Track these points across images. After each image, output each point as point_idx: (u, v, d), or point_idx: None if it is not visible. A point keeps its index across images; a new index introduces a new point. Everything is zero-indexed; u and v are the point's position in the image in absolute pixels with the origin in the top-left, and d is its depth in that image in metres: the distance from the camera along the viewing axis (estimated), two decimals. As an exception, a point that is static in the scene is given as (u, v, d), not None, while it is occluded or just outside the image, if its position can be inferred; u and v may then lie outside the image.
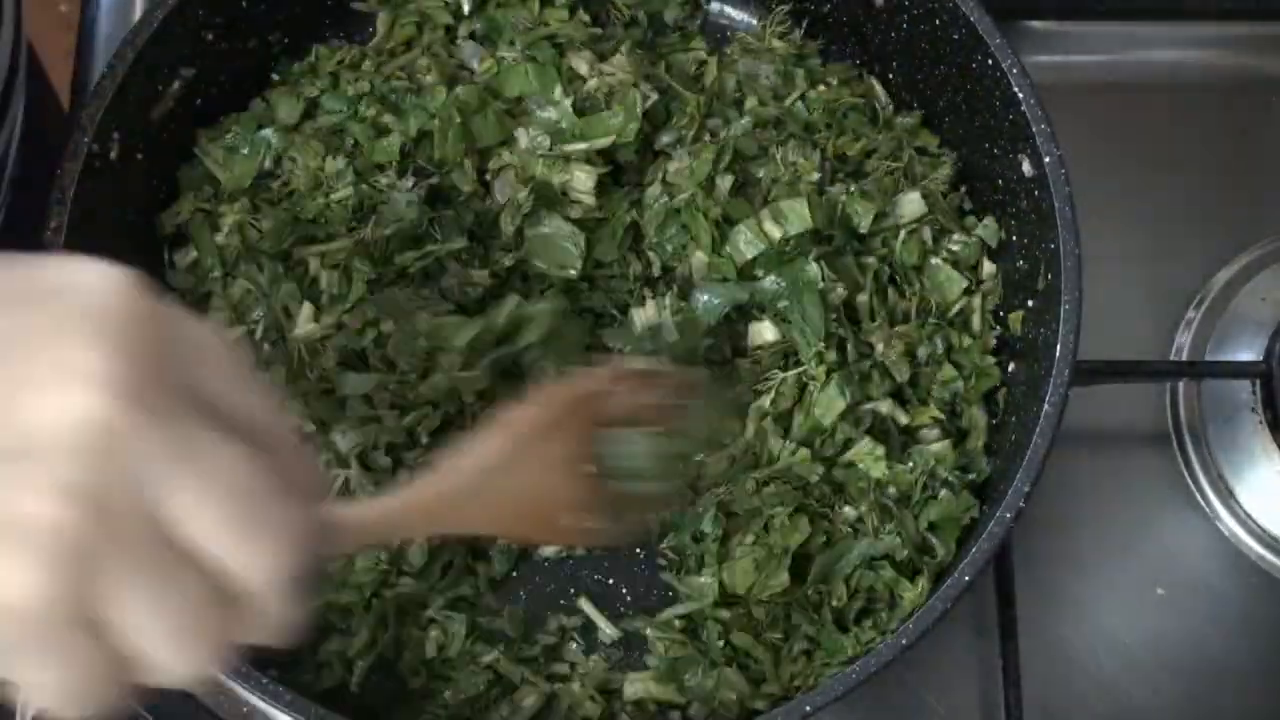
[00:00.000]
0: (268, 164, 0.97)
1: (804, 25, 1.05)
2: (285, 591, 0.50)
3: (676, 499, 0.86)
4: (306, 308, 0.92)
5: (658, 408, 0.77)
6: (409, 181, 0.95)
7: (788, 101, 0.99)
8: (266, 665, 0.84)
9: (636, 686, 0.89)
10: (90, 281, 0.47)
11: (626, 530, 0.78)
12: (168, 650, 0.47)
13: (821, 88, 1.01)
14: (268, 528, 0.48)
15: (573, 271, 0.94)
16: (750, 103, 1.01)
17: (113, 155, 0.90)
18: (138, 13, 1.09)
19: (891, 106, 1.03)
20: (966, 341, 0.95)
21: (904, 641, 0.80)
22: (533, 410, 0.71)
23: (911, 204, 0.96)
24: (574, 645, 0.92)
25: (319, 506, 0.55)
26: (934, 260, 0.96)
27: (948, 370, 0.94)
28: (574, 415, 0.73)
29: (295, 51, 1.02)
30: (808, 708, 0.79)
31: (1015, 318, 0.95)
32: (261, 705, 0.86)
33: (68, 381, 0.44)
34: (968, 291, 0.96)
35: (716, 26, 1.09)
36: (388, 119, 0.97)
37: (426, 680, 0.89)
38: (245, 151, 0.97)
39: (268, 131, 0.98)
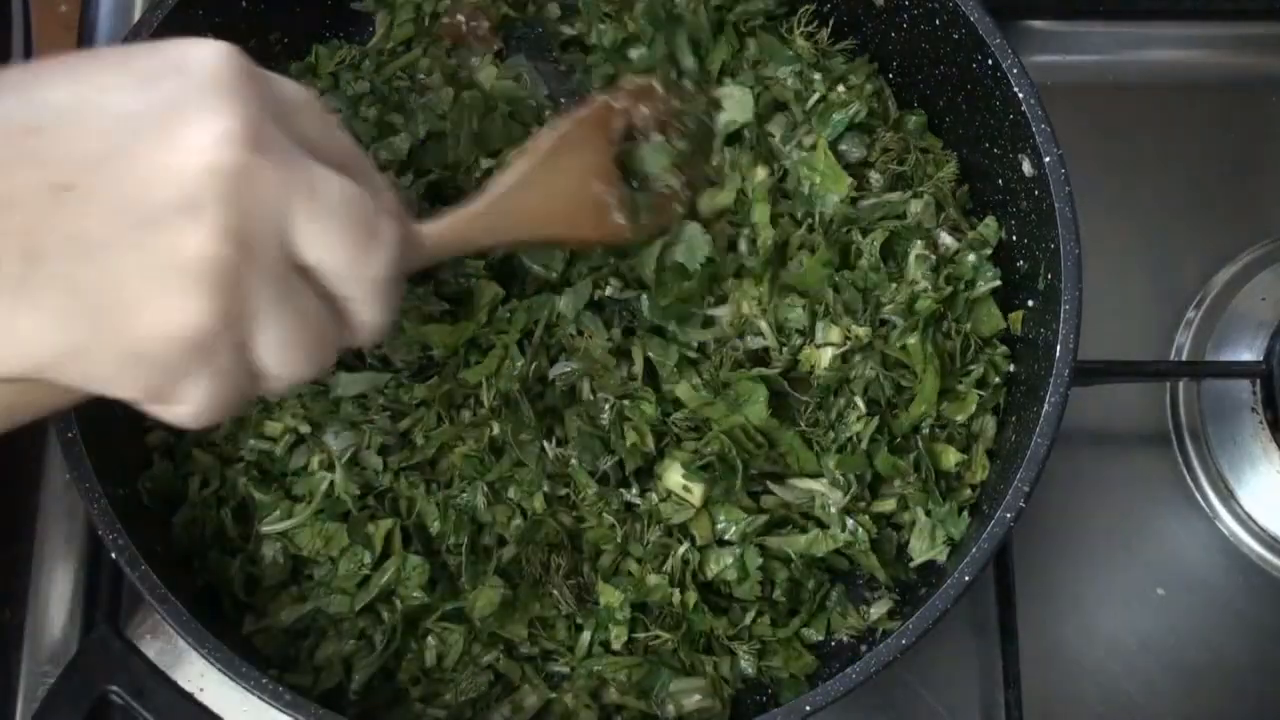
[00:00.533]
0: None
1: (802, 24, 1.05)
2: (383, 296, 0.59)
3: (686, 197, 0.94)
4: None
5: (663, 117, 0.92)
6: (409, 179, 0.95)
7: (808, 104, 0.99)
8: (267, 665, 0.85)
9: (614, 693, 0.89)
10: (202, 55, 0.55)
11: (651, 227, 0.91)
12: (291, 358, 0.56)
13: (841, 88, 1.00)
14: (373, 240, 0.58)
15: (554, 274, 0.94)
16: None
17: (113, 155, 0.90)
18: (138, 13, 1.09)
19: (892, 105, 1.03)
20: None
21: (904, 641, 0.80)
22: (556, 132, 0.85)
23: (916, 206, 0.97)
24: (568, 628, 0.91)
25: (407, 222, 0.65)
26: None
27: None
28: (592, 131, 0.88)
29: (295, 51, 1.02)
30: (808, 707, 0.79)
31: (1015, 318, 0.95)
32: (261, 705, 0.86)
33: (204, 140, 0.52)
34: None
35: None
36: (394, 118, 0.97)
37: (426, 687, 0.89)
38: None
39: None
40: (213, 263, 0.52)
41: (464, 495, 0.90)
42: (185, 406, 0.56)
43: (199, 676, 0.93)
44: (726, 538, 0.90)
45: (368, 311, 0.60)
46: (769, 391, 0.91)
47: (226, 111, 0.53)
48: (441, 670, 0.89)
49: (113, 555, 0.80)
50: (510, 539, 0.89)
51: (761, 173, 0.98)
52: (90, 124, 0.52)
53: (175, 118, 0.53)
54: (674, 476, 0.90)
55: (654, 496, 0.91)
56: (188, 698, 0.82)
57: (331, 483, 0.89)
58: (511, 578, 0.89)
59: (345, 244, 0.56)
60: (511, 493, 0.90)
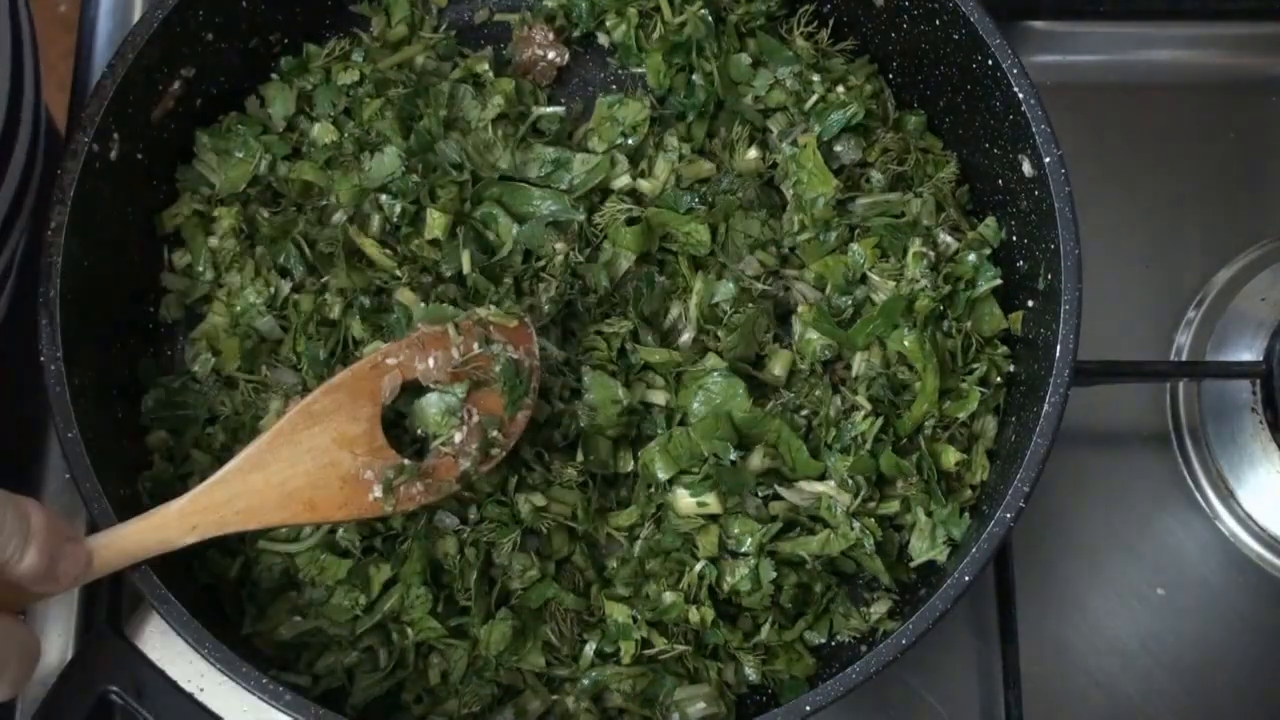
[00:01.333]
0: (263, 168, 0.97)
1: (802, 25, 1.05)
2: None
3: (483, 455, 0.86)
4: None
5: (457, 366, 0.84)
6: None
7: (807, 105, 0.99)
8: (267, 665, 0.85)
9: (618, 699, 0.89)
10: None
11: (416, 498, 0.84)
12: None
13: (840, 89, 1.00)
14: None
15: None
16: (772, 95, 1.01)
17: (113, 155, 0.90)
18: (138, 13, 1.09)
19: (893, 105, 1.03)
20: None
21: (904, 641, 0.80)
22: (298, 404, 0.79)
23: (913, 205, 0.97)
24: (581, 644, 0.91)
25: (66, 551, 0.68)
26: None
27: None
28: (349, 396, 0.81)
29: (296, 52, 1.02)
30: (808, 707, 0.79)
31: (1015, 318, 0.95)
32: (261, 705, 0.86)
33: None
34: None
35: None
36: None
37: (430, 705, 0.88)
38: (240, 155, 0.98)
39: (267, 137, 0.98)
40: None
41: (489, 535, 0.89)
42: None
43: (199, 676, 0.93)
44: (741, 550, 0.90)
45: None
46: (744, 381, 0.92)
47: None
48: (446, 686, 0.89)
49: (113, 555, 0.80)
50: (522, 584, 0.90)
51: (753, 153, 0.98)
52: None
53: None
54: (683, 501, 0.90)
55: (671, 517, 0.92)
56: (188, 698, 0.82)
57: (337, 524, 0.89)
58: (516, 607, 0.90)
59: None
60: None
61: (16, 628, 0.67)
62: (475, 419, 0.85)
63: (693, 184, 0.99)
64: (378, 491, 0.82)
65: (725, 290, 0.95)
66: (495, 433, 0.86)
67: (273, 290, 0.94)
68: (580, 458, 0.91)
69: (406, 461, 0.84)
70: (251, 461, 0.78)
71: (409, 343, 0.85)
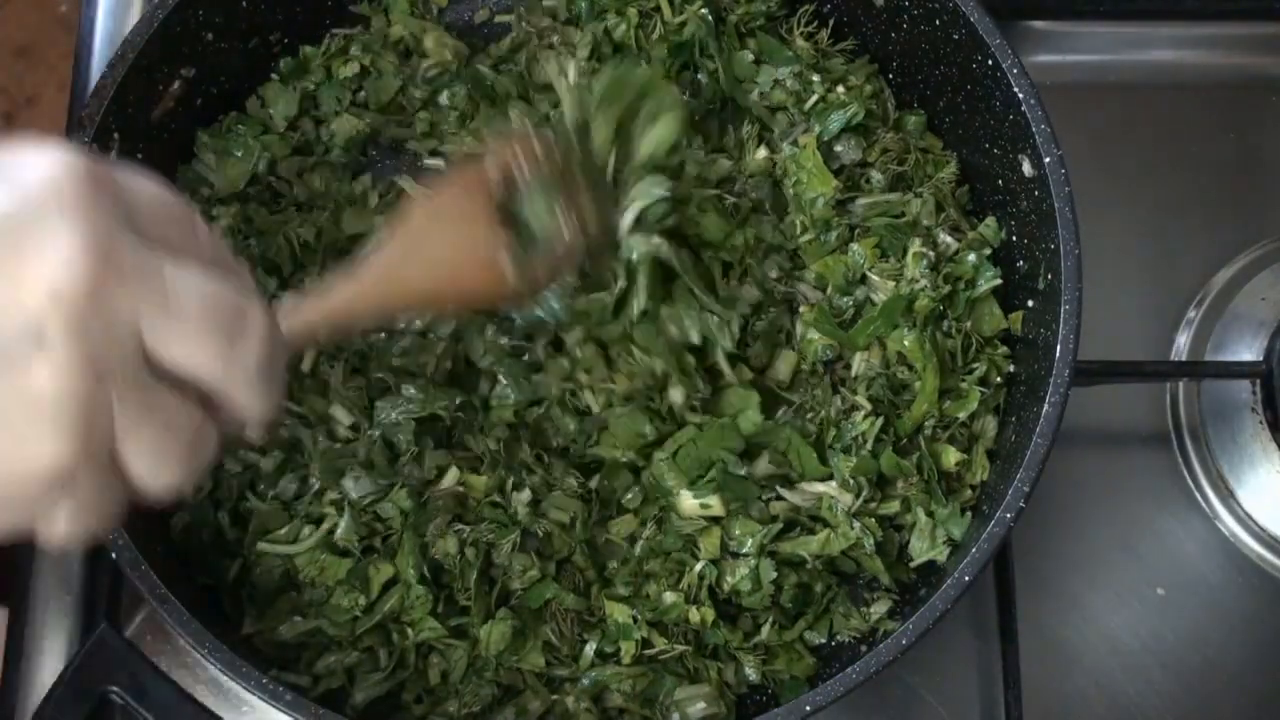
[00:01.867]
0: (261, 168, 0.97)
1: (802, 25, 1.05)
2: (261, 382, 0.57)
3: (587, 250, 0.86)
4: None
5: (546, 163, 0.84)
6: None
7: (807, 105, 0.99)
8: (267, 665, 0.85)
9: (618, 699, 0.89)
10: (39, 166, 0.52)
11: (544, 277, 0.84)
12: (164, 467, 0.54)
13: (841, 89, 1.00)
14: (241, 331, 0.55)
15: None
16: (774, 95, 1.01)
17: (113, 155, 0.90)
18: (137, 13, 1.09)
19: (893, 105, 1.03)
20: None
21: (904, 641, 0.80)
22: (427, 204, 0.81)
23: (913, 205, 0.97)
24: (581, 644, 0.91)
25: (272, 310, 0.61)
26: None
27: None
28: (466, 196, 0.82)
29: (295, 51, 1.02)
30: (808, 707, 0.79)
31: (1015, 318, 0.95)
32: (261, 705, 0.86)
33: (45, 267, 0.49)
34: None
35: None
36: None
37: (430, 705, 0.89)
38: (239, 154, 0.98)
39: (267, 137, 0.98)
40: (67, 399, 0.49)
41: (489, 536, 0.89)
42: (59, 529, 0.53)
43: (199, 676, 0.93)
44: (742, 551, 0.90)
45: (247, 401, 0.57)
46: (759, 395, 0.91)
47: (68, 231, 0.50)
48: (446, 686, 0.89)
49: (113, 555, 0.80)
50: (522, 585, 0.90)
51: (763, 152, 0.98)
52: None
53: (12, 241, 0.49)
54: (687, 503, 0.90)
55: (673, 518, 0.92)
56: (188, 698, 0.81)
57: (336, 525, 0.89)
58: (516, 607, 0.90)
59: (211, 340, 0.54)
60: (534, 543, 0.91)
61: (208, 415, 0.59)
62: (573, 214, 0.85)
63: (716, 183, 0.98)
64: (509, 270, 0.81)
65: (750, 295, 0.95)
66: (595, 229, 0.86)
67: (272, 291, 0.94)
68: (594, 483, 0.92)
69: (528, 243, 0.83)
70: (403, 255, 0.77)
71: (498, 146, 0.85)
